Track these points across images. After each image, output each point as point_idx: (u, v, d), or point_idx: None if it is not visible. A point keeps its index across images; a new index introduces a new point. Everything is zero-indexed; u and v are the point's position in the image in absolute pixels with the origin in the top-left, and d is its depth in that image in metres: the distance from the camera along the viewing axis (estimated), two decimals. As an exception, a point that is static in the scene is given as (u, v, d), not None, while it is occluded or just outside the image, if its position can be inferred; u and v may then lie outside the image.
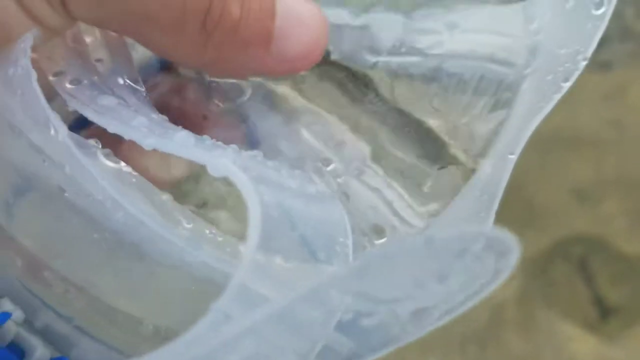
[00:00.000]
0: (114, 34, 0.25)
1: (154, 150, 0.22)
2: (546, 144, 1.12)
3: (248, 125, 0.27)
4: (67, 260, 0.23)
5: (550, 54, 0.25)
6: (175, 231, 0.21)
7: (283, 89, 0.27)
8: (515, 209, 1.05)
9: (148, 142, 0.21)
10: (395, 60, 0.26)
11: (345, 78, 0.27)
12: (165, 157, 0.24)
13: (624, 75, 1.18)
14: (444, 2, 0.27)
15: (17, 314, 0.25)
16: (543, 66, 0.25)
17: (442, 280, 0.18)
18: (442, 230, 0.17)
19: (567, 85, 0.25)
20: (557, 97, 0.25)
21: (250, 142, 0.27)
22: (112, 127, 0.21)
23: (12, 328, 0.25)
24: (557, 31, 0.25)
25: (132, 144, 0.22)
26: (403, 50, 0.26)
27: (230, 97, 0.28)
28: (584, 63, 0.25)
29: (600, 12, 0.25)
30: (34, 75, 0.20)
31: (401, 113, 0.27)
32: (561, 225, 1.04)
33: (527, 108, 0.25)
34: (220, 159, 0.19)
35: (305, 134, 0.27)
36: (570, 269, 1.00)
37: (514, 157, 0.25)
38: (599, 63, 1.21)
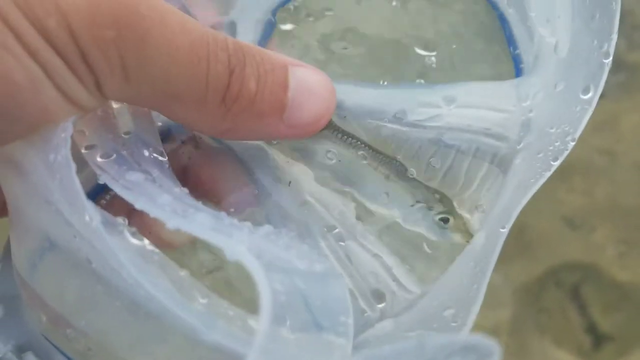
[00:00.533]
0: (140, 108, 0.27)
1: None
2: (538, 172, 1.13)
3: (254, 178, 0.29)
4: (89, 321, 0.25)
5: (541, 132, 0.27)
6: (190, 306, 0.23)
7: (287, 160, 0.29)
8: (507, 238, 1.05)
9: (172, 222, 0.22)
10: (397, 128, 0.28)
11: (348, 146, 0.29)
12: None
13: (616, 106, 1.20)
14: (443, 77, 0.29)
15: None
16: (534, 143, 0.27)
17: None
18: (433, 337, 0.19)
19: (556, 164, 0.27)
20: (547, 174, 0.26)
21: (260, 196, 0.29)
22: (139, 204, 0.23)
23: None
24: (548, 111, 0.27)
25: None
26: (404, 121, 0.28)
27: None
28: (573, 144, 0.26)
29: (587, 96, 0.26)
30: (73, 166, 0.22)
31: (403, 172, 0.29)
32: (553, 252, 1.05)
33: (518, 183, 0.27)
34: (236, 246, 0.21)
35: (310, 200, 0.29)
36: (563, 297, 1.01)
37: (505, 231, 0.26)
38: (591, 92, 1.23)
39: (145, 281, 0.22)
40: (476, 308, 0.26)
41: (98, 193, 0.28)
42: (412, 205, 0.29)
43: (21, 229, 0.26)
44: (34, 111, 0.23)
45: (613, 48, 0.26)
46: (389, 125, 0.28)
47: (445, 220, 0.29)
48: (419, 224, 0.29)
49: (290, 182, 0.29)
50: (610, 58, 0.26)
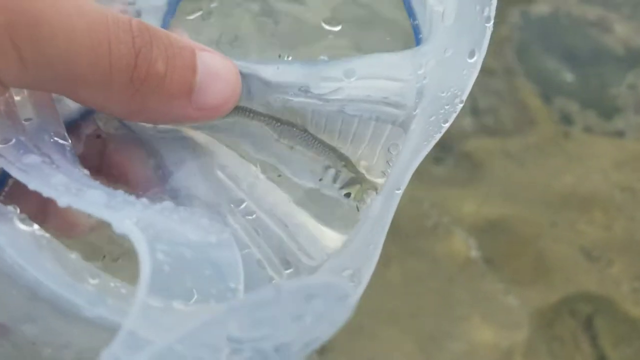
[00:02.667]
0: (42, 93, 0.27)
1: None
2: (558, 203, 1.12)
3: (158, 158, 0.30)
4: None
5: (434, 97, 0.28)
6: (80, 287, 0.23)
7: (198, 134, 0.30)
8: (526, 262, 1.05)
9: (62, 200, 0.23)
10: (301, 101, 0.29)
11: (256, 120, 0.30)
12: None
13: (637, 144, 1.20)
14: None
15: None
16: (428, 108, 0.28)
17: (295, 320, 0.21)
18: (289, 282, 0.20)
19: (446, 125, 0.27)
20: (438, 136, 0.27)
21: (164, 176, 0.30)
22: (32, 184, 0.24)
23: None
24: (439, 77, 0.28)
25: None
26: (308, 94, 0.29)
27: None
28: (461, 105, 0.27)
29: (473, 60, 0.27)
30: None
31: (311, 143, 0.30)
32: (570, 282, 1.04)
33: (413, 147, 0.27)
34: (123, 221, 0.22)
35: (220, 175, 0.30)
36: (576, 326, 0.99)
37: (400, 192, 0.27)
38: (613, 131, 1.23)
39: (28, 266, 0.23)
40: (371, 266, 0.26)
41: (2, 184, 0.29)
42: (324, 170, 0.30)
43: None
44: None
45: (494, 12, 0.27)
46: (295, 99, 0.29)
47: (347, 195, 0.29)
48: (331, 192, 0.30)
49: (199, 158, 0.30)
50: (492, 22, 0.27)
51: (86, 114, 0.30)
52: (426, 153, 0.27)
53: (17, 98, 0.27)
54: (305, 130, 0.30)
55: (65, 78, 0.24)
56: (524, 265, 1.06)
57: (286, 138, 0.30)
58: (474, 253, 1.07)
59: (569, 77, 1.30)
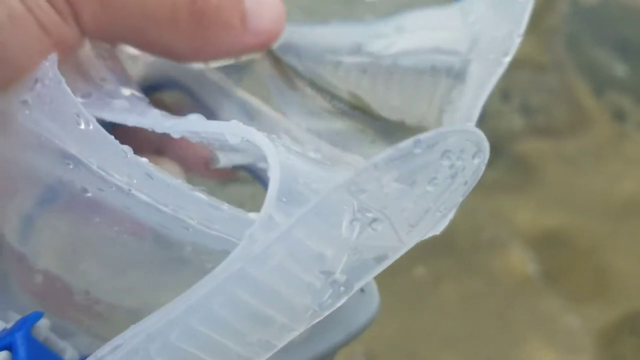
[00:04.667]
0: (114, 61, 0.28)
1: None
2: (619, 211, 1.09)
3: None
4: (90, 263, 0.25)
5: (489, 38, 0.28)
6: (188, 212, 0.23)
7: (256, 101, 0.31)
8: (586, 277, 1.02)
9: (167, 124, 0.23)
10: (355, 60, 0.29)
11: (308, 86, 0.30)
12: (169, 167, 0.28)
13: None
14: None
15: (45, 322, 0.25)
16: (485, 49, 0.28)
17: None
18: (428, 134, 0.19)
19: (507, 59, 0.27)
20: (500, 71, 0.27)
21: None
22: (130, 121, 0.24)
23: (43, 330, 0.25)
24: (492, 19, 0.28)
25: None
26: (361, 53, 0.29)
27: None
28: (519, 39, 0.27)
29: None
30: (62, 79, 0.23)
31: (364, 114, 0.30)
32: (632, 297, 1.00)
33: (475, 85, 0.27)
34: (237, 126, 0.22)
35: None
36: (638, 344, 0.96)
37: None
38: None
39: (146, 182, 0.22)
40: None
41: None
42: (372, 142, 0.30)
43: (7, 192, 0.25)
44: (16, 51, 0.23)
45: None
46: (346, 59, 0.30)
47: None
48: None
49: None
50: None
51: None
52: (490, 89, 0.27)
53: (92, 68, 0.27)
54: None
55: (138, 17, 0.26)
56: (583, 280, 1.03)
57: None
58: (532, 268, 1.04)
59: (620, 69, 1.27)
